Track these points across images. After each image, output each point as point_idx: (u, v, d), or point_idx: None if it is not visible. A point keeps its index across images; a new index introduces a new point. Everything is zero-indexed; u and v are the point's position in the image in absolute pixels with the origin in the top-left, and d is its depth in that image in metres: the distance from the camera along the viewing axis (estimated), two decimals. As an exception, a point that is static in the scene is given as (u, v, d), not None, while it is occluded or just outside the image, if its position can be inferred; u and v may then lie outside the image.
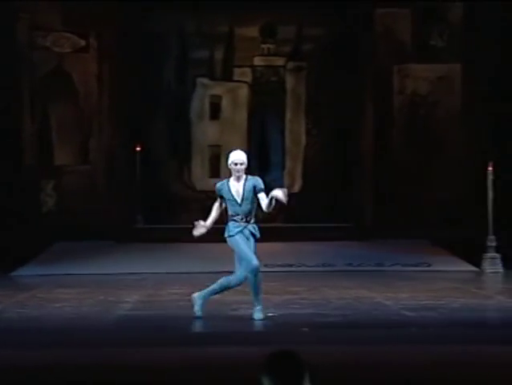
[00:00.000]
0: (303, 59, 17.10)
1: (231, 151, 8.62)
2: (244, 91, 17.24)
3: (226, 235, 8.44)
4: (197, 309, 8.37)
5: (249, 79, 17.21)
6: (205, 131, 17.29)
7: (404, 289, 10.82)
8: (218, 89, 17.23)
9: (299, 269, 13.48)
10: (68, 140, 16.14)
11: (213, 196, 16.98)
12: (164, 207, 16.45)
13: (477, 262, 13.17)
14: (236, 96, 17.24)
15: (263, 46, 17.06)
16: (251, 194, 8.36)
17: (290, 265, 13.65)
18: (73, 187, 15.84)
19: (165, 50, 16.87)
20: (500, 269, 12.82)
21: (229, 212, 8.36)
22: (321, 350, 6.40)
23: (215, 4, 16.29)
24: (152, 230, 15.65)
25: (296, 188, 17.14)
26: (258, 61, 17.18)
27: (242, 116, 17.27)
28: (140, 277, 12.32)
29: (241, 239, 8.30)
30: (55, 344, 7.20)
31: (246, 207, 8.36)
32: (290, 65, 17.19)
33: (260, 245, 15.02)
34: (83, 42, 15.84)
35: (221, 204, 8.44)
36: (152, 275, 12.60)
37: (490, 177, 13.14)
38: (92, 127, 16.11)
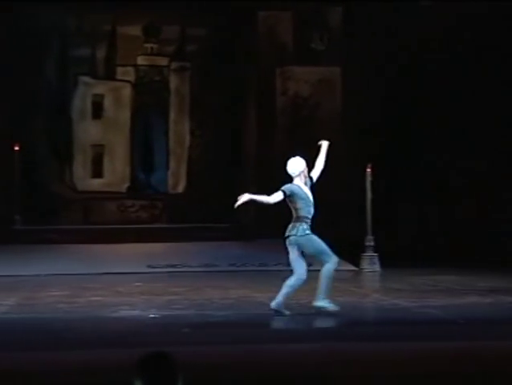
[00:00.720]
0: (187, 59, 17.11)
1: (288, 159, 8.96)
2: (127, 91, 17.10)
3: (301, 234, 8.74)
4: (287, 312, 8.53)
5: (132, 78, 17.08)
6: (87, 131, 17.05)
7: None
8: (101, 88, 17.03)
9: (183, 269, 13.46)
10: None
11: (95, 196, 16.87)
12: (44, 207, 16.11)
13: (356, 262, 13.48)
14: (119, 95, 17.08)
15: (146, 45, 16.98)
16: None
17: (174, 266, 13.61)
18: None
19: (45, 49, 16.54)
20: (377, 268, 13.17)
21: (302, 214, 8.73)
22: (201, 351, 6.41)
23: (97, 2, 16.07)
24: (32, 231, 15.29)
25: (180, 189, 17.15)
26: (141, 60, 17.08)
27: (125, 116, 17.12)
28: (19, 280, 12.01)
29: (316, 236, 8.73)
30: None
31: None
32: (174, 65, 17.17)
33: (143, 245, 15.10)
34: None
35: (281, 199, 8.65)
36: (31, 277, 12.30)
37: (369, 178, 13.48)
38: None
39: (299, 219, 8.79)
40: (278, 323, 8.25)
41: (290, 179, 8.92)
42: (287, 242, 8.89)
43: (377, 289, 11.56)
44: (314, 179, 9.03)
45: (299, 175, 8.87)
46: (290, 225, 8.82)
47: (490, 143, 15.47)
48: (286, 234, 8.86)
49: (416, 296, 10.02)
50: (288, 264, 13.61)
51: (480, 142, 15.58)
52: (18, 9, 15.80)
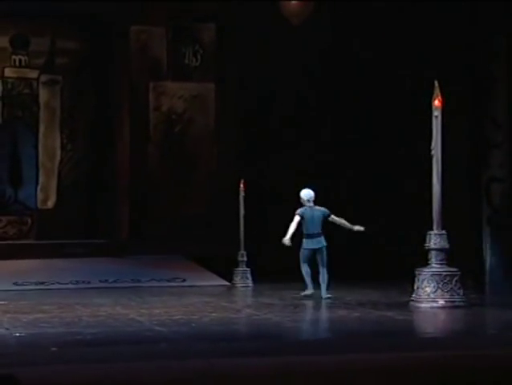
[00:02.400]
0: (58, 72, 16.78)
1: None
2: (-8, 103, 16.61)
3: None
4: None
5: (-1, 90, 16.61)
6: None
7: (158, 304, 10.91)
8: (-36, 100, 16.46)
9: (52, 286, 13.17)
10: None
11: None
12: None
13: (230, 277, 13.56)
14: (-15, 108, 16.56)
15: (14, 57, 16.55)
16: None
17: (43, 283, 13.30)
18: None
19: None
20: (250, 283, 13.29)
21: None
22: (67, 369, 6.27)
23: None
24: None
25: (50, 204, 16.77)
26: (9, 72, 16.63)
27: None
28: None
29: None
30: None
31: None
32: (44, 78, 16.80)
33: (11, 262, 14.64)
34: None
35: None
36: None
37: (242, 194, 13.61)
38: None
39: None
40: (149, 340, 8.17)
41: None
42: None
43: (249, 304, 11.65)
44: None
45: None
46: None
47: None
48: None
49: (288, 310, 10.16)
50: (160, 280, 13.63)
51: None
52: None
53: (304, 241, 11.39)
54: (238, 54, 16.01)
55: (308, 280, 11.40)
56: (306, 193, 11.52)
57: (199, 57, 16.46)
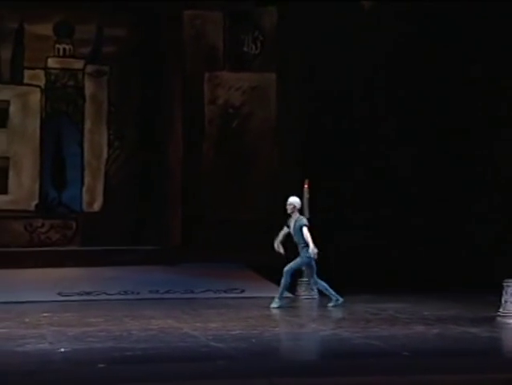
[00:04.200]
0: (105, 63, 16.97)
1: None
2: (36, 97, 16.87)
3: None
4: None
5: (42, 82, 16.86)
6: (-10, 140, 16.76)
7: (215, 317, 10.97)
8: (6, 93, 16.76)
9: (99, 297, 13.33)
10: None
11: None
12: None
13: (293, 288, 13.55)
14: (26, 102, 16.83)
15: (58, 46, 16.80)
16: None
17: (89, 293, 13.47)
18: None
19: None
20: (315, 294, 13.25)
21: None
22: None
23: (2, -3, 15.88)
24: None
25: (96, 207, 16.97)
26: (52, 63, 16.88)
27: (34, 125, 16.88)
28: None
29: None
30: None
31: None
32: (90, 68, 17.01)
33: (55, 270, 14.88)
34: None
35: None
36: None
37: (306, 196, 13.57)
38: None
39: None
40: (204, 357, 8.21)
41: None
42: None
43: (314, 318, 11.63)
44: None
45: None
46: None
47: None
48: None
49: (358, 325, 10.11)
50: (216, 291, 13.68)
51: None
52: None
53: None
54: (302, 42, 16.00)
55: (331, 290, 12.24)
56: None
57: (259, 44, 16.48)
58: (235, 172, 16.34)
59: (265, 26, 16.55)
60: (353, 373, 7.07)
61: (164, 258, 15.56)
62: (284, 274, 12.22)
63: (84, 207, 16.98)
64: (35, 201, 16.94)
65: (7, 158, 16.73)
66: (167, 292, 13.67)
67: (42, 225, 16.87)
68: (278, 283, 14.00)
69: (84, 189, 17.08)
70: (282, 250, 12.30)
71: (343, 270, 14.39)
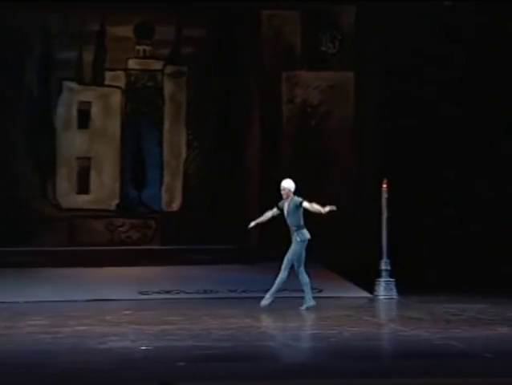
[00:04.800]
0: (183, 63, 17.10)
1: None
2: (117, 98, 17.09)
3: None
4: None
5: (122, 83, 17.07)
6: (73, 142, 17.04)
7: (293, 317, 10.96)
8: (87, 94, 17.02)
9: (178, 296, 13.45)
10: None
11: (81, 214, 16.83)
12: (23, 227, 16.09)
13: (370, 288, 13.46)
14: (107, 103, 17.06)
15: (138, 47, 16.99)
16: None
17: (168, 292, 13.60)
18: None
19: (26, 50, 16.53)
20: (394, 294, 13.14)
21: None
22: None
23: (84, 0, 16.12)
24: (10, 253, 15.26)
25: (175, 207, 17.12)
26: (132, 64, 17.08)
27: (115, 125, 17.11)
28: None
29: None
30: None
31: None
32: (169, 69, 17.17)
33: (135, 269, 15.07)
34: None
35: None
36: (9, 305, 12.29)
37: (385, 196, 13.47)
38: None
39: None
40: (283, 356, 8.22)
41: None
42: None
43: (394, 318, 11.53)
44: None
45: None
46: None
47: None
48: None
49: (438, 326, 9.99)
50: (293, 290, 13.67)
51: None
52: (2, 7, 15.86)
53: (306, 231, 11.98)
54: (380, 40, 15.87)
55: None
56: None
57: (337, 43, 16.40)
58: (312, 171, 16.29)
59: (343, 25, 16.46)
60: (433, 374, 6.99)
61: (241, 257, 15.61)
62: (282, 270, 11.87)
63: (163, 206, 17.14)
64: (116, 201, 17.17)
65: (89, 158, 17.00)
66: (245, 291, 13.71)
67: (123, 224, 17.08)
68: (356, 283, 13.94)
69: (163, 189, 17.24)
70: (252, 224, 12.24)
71: (420, 269, 14.26)
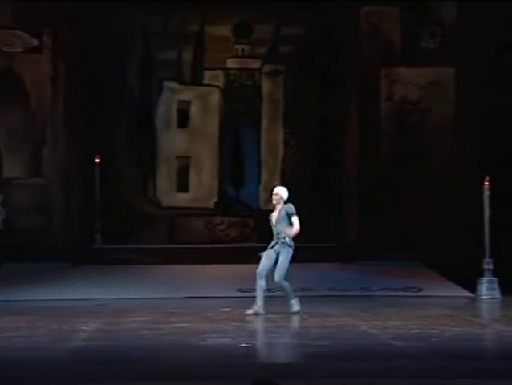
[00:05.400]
0: (281, 62, 17.13)
1: None
2: (215, 97, 17.23)
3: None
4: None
5: (221, 83, 17.21)
6: (172, 141, 17.25)
7: (393, 316, 10.84)
8: (187, 94, 17.21)
9: (276, 293, 13.41)
10: (18, 150, 16.02)
11: (181, 212, 17.02)
12: (125, 225, 16.37)
13: (472, 287, 13.22)
14: (206, 102, 17.22)
15: (237, 46, 17.09)
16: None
17: (268, 290, 13.59)
18: (24, 202, 15.72)
19: (128, 51, 16.82)
20: (497, 294, 12.87)
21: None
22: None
23: (184, 1, 16.30)
24: (113, 251, 15.54)
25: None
26: (231, 63, 17.19)
27: (214, 124, 17.25)
28: (98, 304, 12.24)
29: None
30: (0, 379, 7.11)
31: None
32: (267, 68, 17.21)
33: (234, 267, 15.15)
34: (35, 41, 15.78)
35: None
36: (112, 301, 12.52)
37: (487, 193, 13.21)
38: (45, 135, 16.02)
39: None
40: (383, 355, 8.12)
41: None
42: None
43: (497, 319, 11.29)
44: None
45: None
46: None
47: None
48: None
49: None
50: (393, 289, 13.54)
51: None
52: (98, 9, 16.17)
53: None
54: (482, 35, 15.55)
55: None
56: None
57: (437, 39, 16.14)
58: (412, 169, 16.08)
59: (443, 20, 16.19)
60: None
61: (340, 256, 15.53)
62: (279, 283, 11.23)
63: (261, 204, 17.19)
64: (215, 199, 17.31)
65: (188, 157, 17.18)
66: (343, 289, 13.64)
67: (221, 223, 17.21)
68: (457, 282, 13.71)
69: (261, 187, 17.30)
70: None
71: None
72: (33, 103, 15.93)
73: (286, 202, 11.51)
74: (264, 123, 17.30)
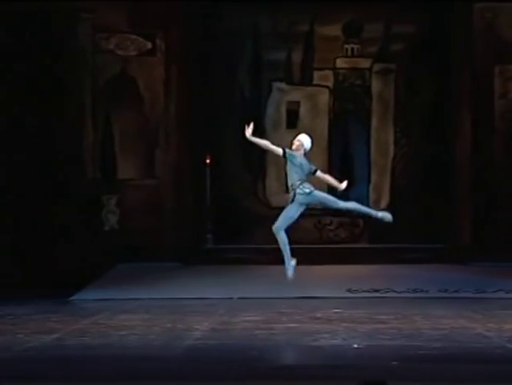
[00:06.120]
0: (392, 60, 16.98)
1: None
2: (325, 97, 17.22)
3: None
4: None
5: (330, 83, 17.18)
6: (281, 141, 17.25)
7: (509, 319, 10.62)
8: (296, 94, 17.25)
9: (387, 294, 13.36)
10: (132, 152, 16.36)
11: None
12: (236, 225, 16.52)
13: None
14: (316, 102, 17.22)
15: (347, 46, 17.04)
16: None
17: (377, 290, 13.54)
18: (137, 203, 16.04)
19: (238, 52, 16.97)
20: None
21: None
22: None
23: (294, 0, 16.34)
24: (224, 251, 15.72)
25: (383, 205, 17.02)
26: (340, 63, 17.15)
27: (322, 125, 17.24)
28: (211, 303, 12.40)
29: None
30: (117, 376, 7.28)
31: None
32: (377, 67, 17.10)
33: (343, 267, 15.12)
34: (149, 45, 16.08)
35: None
36: (224, 300, 12.66)
37: None
38: (158, 136, 16.30)
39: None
40: (499, 359, 7.97)
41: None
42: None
43: None
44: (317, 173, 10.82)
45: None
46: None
47: None
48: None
49: None
50: (509, 291, 13.23)
51: None
52: (208, 10, 16.38)
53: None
54: None
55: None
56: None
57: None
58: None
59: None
60: None
61: (453, 257, 15.30)
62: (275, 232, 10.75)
63: (371, 205, 17.07)
64: (324, 199, 17.27)
65: (297, 157, 17.19)
66: (456, 291, 13.42)
67: (331, 223, 17.19)
68: None
69: (371, 187, 17.20)
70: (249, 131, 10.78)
71: None
72: (146, 106, 16.24)
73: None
74: (374, 123, 17.19)
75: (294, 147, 10.84)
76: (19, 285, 14.41)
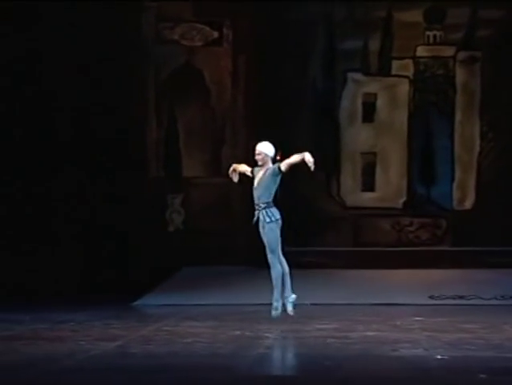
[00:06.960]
0: (478, 48, 16.80)
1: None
2: (404, 88, 17.10)
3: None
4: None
5: (410, 73, 17.05)
6: (357, 136, 17.25)
7: None
8: (373, 86, 17.16)
9: (473, 301, 13.26)
10: (198, 148, 16.46)
11: (366, 212, 17.00)
12: (308, 226, 16.50)
13: None
14: (394, 94, 17.12)
15: (428, 33, 16.91)
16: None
17: (461, 297, 13.44)
18: (204, 202, 16.13)
19: (310, 41, 16.94)
20: None
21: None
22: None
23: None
24: (295, 253, 15.66)
25: (468, 204, 16.85)
26: (421, 51, 17.02)
27: (402, 118, 17.13)
28: (282, 309, 12.38)
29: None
30: (184, 386, 7.33)
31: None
32: (462, 55, 16.93)
33: (424, 272, 15.00)
34: (215, 34, 16.16)
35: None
36: (296, 306, 12.64)
37: None
38: (225, 132, 16.37)
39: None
40: None
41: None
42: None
43: None
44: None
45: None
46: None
47: None
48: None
49: None
50: None
51: None
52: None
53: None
54: None
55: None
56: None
57: None
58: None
59: None
60: None
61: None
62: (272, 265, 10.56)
63: (455, 204, 16.94)
64: (403, 198, 17.18)
65: (374, 153, 17.13)
66: (549, 298, 13.26)
67: (411, 224, 17.06)
68: None
69: (455, 185, 17.03)
70: (235, 179, 10.76)
71: None
72: (212, 99, 16.33)
73: (275, 161, 10.75)
74: (458, 116, 17.01)
75: (259, 163, 10.77)
76: (81, 290, 14.65)
